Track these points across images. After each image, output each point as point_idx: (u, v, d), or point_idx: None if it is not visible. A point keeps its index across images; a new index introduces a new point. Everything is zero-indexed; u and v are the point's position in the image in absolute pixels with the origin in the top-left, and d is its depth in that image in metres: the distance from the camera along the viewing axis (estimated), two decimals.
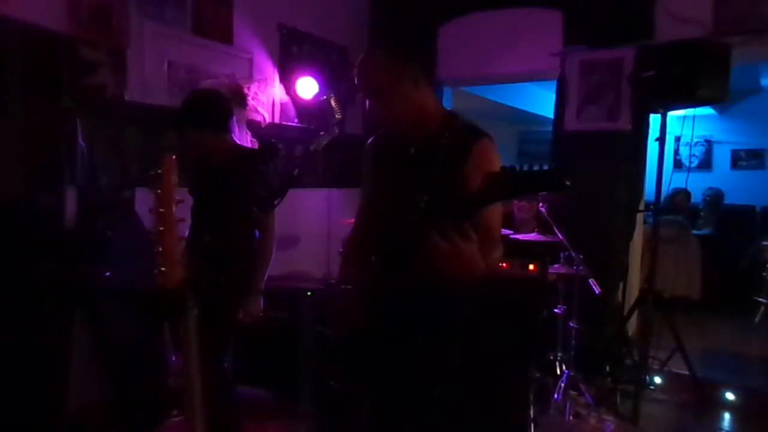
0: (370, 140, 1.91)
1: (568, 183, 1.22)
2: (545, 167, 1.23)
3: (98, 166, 3.10)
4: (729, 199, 6.94)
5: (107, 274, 2.40)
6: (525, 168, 1.25)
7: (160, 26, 3.41)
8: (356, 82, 1.71)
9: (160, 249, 0.86)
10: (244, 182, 2.30)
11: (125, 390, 2.69)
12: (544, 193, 3.09)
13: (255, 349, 3.59)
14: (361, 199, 1.95)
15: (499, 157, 1.66)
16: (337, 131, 2.27)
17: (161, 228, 0.86)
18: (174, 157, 0.92)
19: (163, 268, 0.87)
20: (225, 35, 3.81)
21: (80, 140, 3.01)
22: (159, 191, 0.87)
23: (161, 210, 0.86)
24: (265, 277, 2.57)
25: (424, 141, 1.71)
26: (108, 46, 3.15)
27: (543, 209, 3.35)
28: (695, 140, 7.70)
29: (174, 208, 0.89)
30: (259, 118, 4.07)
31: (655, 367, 3.65)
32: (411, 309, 1.66)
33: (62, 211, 3.01)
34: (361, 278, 1.81)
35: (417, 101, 1.70)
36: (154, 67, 3.40)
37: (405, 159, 1.74)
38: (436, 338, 1.69)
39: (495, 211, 1.61)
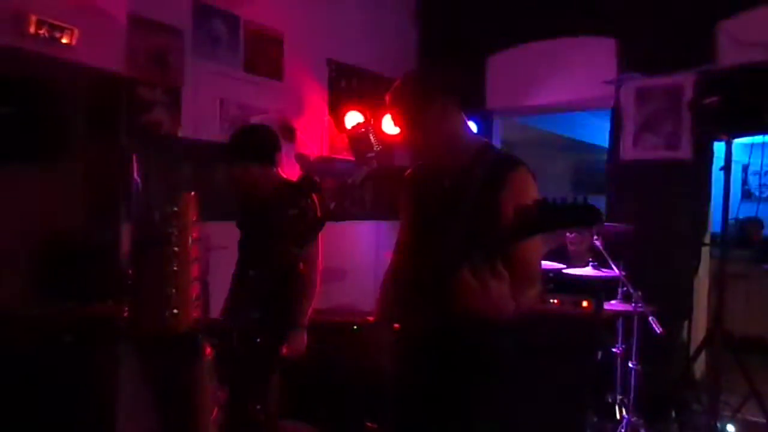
0: (407, 172, 1.88)
1: (603, 217, 1.17)
2: (579, 200, 1.17)
3: (152, 202, 3.19)
4: None
5: (125, 314, 2.42)
6: (558, 201, 1.19)
7: (214, 65, 3.53)
8: (391, 109, 1.71)
9: (174, 290, 0.84)
10: (283, 217, 2.31)
11: (167, 425, 2.69)
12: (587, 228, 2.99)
13: (301, 383, 3.56)
14: (399, 233, 1.91)
15: (536, 186, 1.59)
16: (375, 164, 2.25)
17: (175, 268, 0.84)
18: (192, 194, 0.90)
19: (175, 310, 0.85)
20: (275, 72, 3.90)
21: (135, 176, 3.11)
22: (175, 231, 0.86)
23: (175, 249, 0.84)
24: (309, 312, 2.55)
25: (459, 173, 1.66)
26: (164, 86, 3.27)
27: (598, 242, 3.20)
28: (765, 169, 7.27)
29: (190, 247, 0.87)
30: (308, 152, 4.12)
31: (727, 413, 3.37)
32: (447, 347, 1.60)
33: (118, 247, 3.10)
34: (397, 315, 1.76)
35: (445, 133, 1.67)
36: (207, 105, 3.51)
37: (440, 191, 1.70)
38: (475, 378, 1.61)
39: (532, 245, 1.53)
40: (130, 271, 2.54)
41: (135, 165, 3.11)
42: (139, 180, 3.13)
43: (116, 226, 3.09)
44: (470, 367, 1.62)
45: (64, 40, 2.76)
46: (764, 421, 3.22)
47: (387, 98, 1.72)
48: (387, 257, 1.98)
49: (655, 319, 3.02)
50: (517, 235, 1.29)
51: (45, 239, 2.75)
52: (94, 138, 3.05)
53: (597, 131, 6.30)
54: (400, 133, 1.73)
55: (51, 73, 2.81)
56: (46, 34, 2.69)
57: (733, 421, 3.37)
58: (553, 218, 1.21)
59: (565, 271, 3.27)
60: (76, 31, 2.79)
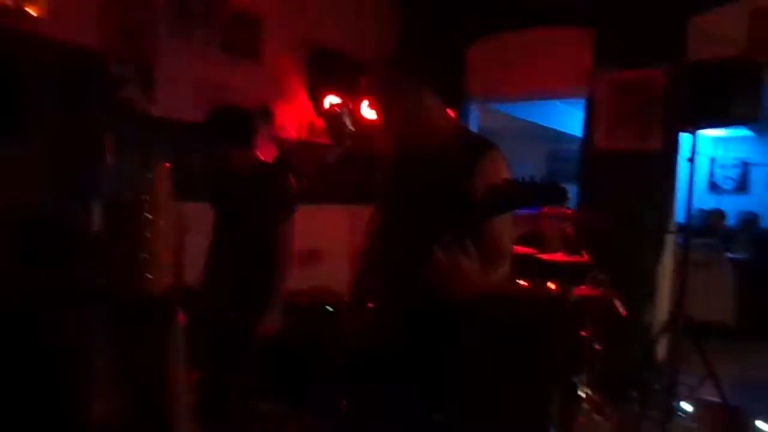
0: (384, 156, 1.91)
1: (569, 196, 1.23)
2: (546, 179, 1.23)
3: (124, 180, 3.16)
4: (766, 223, 6.72)
5: (97, 279, 2.43)
6: (526, 180, 1.24)
7: (189, 44, 3.49)
8: (369, 89, 1.73)
9: (146, 256, 0.86)
10: (260, 197, 2.32)
11: (141, 399, 2.71)
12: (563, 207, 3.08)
13: (276, 364, 3.59)
14: (373, 215, 1.94)
15: (508, 169, 1.63)
16: (349, 145, 2.28)
17: (148, 235, 0.86)
18: (168, 165, 0.92)
19: (149, 275, 0.87)
20: (253, 53, 3.87)
21: (108, 154, 3.09)
22: (148, 197, 0.88)
23: (149, 216, 0.86)
24: (283, 292, 2.57)
25: (434, 156, 1.69)
26: (137, 63, 3.23)
27: (569, 229, 3.28)
28: (731, 162, 7.49)
29: (162, 216, 0.89)
30: (286, 134, 4.12)
31: (685, 393, 3.51)
32: (417, 326, 1.64)
33: (89, 224, 3.08)
34: (369, 295, 1.79)
35: (421, 116, 1.69)
36: (183, 84, 3.48)
37: (415, 174, 1.72)
38: (443, 356, 1.65)
39: (502, 225, 1.58)
40: (105, 239, 2.55)
41: (107, 141, 3.09)
42: (111, 156, 3.11)
43: (88, 201, 3.07)
44: (440, 346, 1.66)
45: (33, 13, 2.71)
46: (719, 401, 3.37)
47: (364, 81, 1.73)
48: (362, 240, 2.01)
49: (619, 303, 3.13)
50: (486, 213, 1.33)
51: (14, 212, 2.72)
52: (65, 114, 3.01)
53: (573, 121, 6.41)
54: (377, 117, 1.74)
55: (19, 46, 2.75)
56: (14, 6, 2.63)
57: (690, 400, 3.52)
58: (521, 196, 1.26)
59: (537, 255, 3.36)
60: (45, 4, 2.73)
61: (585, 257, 3.23)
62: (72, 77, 2.99)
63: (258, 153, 2.70)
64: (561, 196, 1.25)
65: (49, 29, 2.81)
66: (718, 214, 5.78)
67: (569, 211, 3.22)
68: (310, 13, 4.27)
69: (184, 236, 2.72)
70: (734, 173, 7.64)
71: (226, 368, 2.40)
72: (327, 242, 4.35)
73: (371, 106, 1.72)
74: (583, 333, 3.24)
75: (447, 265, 1.38)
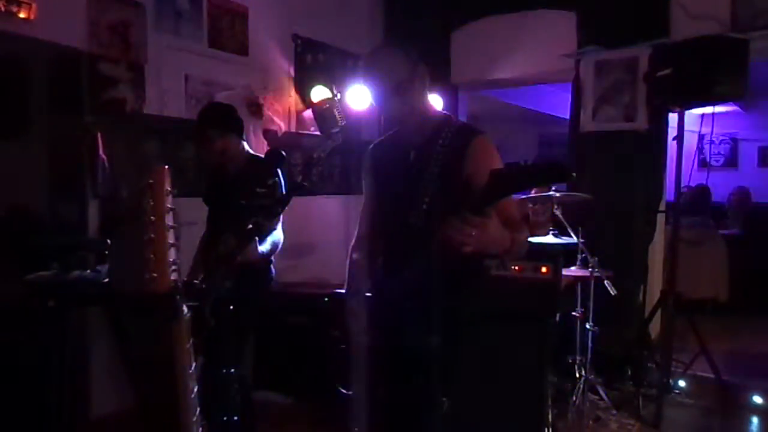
0: (369, 148, 1.92)
1: (574, 174, 1.24)
2: (549, 159, 1.25)
3: (119, 179, 3.18)
4: (757, 198, 6.78)
5: (105, 280, 2.48)
6: (528, 161, 1.26)
7: (177, 41, 3.50)
8: (370, 76, 1.68)
9: (151, 256, 0.90)
10: (251, 194, 2.35)
11: (146, 397, 2.76)
12: (554, 187, 3.12)
13: (275, 355, 3.64)
14: (363, 206, 1.96)
15: (497, 153, 1.66)
16: (341, 138, 2.31)
17: (152, 236, 0.90)
18: (166, 167, 0.96)
19: (154, 274, 0.91)
20: (240, 47, 3.88)
21: (101, 153, 3.10)
22: (150, 201, 0.91)
23: (152, 218, 0.90)
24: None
25: (423, 144, 1.71)
26: (127, 62, 3.24)
27: (558, 211, 3.33)
28: (720, 138, 7.55)
29: (165, 217, 0.92)
30: (275, 128, 4.13)
31: (679, 370, 3.58)
32: (416, 312, 1.66)
33: (85, 223, 3.11)
34: (367, 283, 1.83)
35: (426, 101, 1.73)
36: (172, 81, 3.49)
37: (405, 163, 1.74)
38: (443, 341, 1.68)
39: (511, 202, 1.62)
40: (108, 241, 2.60)
41: (100, 142, 3.10)
42: (105, 157, 3.12)
43: (82, 202, 3.10)
44: (439, 330, 1.69)
45: (22, 15, 2.72)
46: (712, 376, 3.44)
47: (368, 65, 1.70)
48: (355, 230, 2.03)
49: (609, 283, 3.17)
50: (494, 195, 1.32)
51: (9, 213, 2.76)
52: (56, 115, 3.03)
53: (561, 104, 6.44)
54: (377, 102, 1.69)
55: (9, 48, 2.76)
56: (3, 9, 2.64)
57: (684, 377, 3.58)
58: (528, 176, 1.26)
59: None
60: (34, 6, 2.75)
61: (574, 239, 3.27)
62: (62, 78, 3.00)
63: (250, 147, 2.74)
64: (565, 174, 1.25)
65: (38, 31, 2.82)
66: (702, 190, 5.79)
67: (557, 194, 3.26)
68: (295, 4, 4.27)
69: (179, 232, 2.77)
70: (724, 149, 7.70)
71: (226, 359, 2.44)
72: (320, 233, 4.39)
73: (380, 89, 1.66)
74: (575, 314, 3.29)
75: (475, 223, 1.32)
